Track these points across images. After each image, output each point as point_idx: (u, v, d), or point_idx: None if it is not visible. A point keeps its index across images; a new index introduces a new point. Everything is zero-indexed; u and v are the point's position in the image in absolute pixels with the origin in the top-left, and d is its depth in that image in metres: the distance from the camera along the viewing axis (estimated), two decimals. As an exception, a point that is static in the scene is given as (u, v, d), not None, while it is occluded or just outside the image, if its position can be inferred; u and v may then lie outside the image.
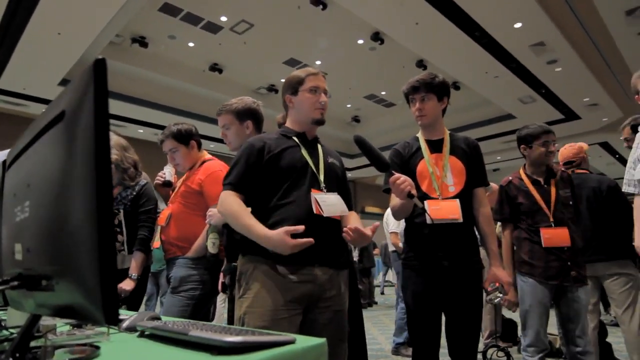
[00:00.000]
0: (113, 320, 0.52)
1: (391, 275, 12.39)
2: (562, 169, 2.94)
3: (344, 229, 1.47)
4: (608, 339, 3.40)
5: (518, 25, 6.82)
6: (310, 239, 1.33)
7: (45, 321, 0.85)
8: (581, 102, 9.86)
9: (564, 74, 8.38)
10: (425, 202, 1.74)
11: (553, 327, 2.53)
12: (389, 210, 4.25)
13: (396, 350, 4.07)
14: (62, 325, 0.92)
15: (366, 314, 6.66)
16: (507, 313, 4.21)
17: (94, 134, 0.52)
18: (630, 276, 2.68)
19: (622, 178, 2.77)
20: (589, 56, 7.88)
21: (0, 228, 0.80)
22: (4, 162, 0.86)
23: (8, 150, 0.93)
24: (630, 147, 2.62)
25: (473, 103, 10.35)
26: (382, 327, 5.63)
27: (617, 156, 14.23)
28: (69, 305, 0.57)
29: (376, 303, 8.73)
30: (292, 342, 0.74)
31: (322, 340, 0.78)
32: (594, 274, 2.73)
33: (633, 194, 2.15)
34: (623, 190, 2.08)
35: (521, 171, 2.45)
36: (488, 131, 11.52)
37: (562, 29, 6.94)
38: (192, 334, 0.73)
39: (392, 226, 4.20)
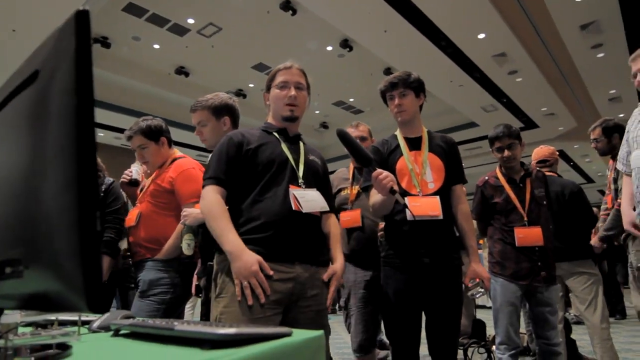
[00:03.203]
0: (97, 308, 0.45)
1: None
2: (537, 167, 3.05)
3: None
4: (571, 336, 3.52)
5: (482, 35, 7.06)
6: (265, 288, 1.32)
7: (4, 319, 0.75)
8: (539, 112, 10.32)
9: (523, 84, 8.75)
10: (406, 199, 1.72)
11: (521, 325, 2.59)
12: None
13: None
14: (23, 326, 0.82)
15: (336, 318, 6.61)
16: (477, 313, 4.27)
17: (76, 93, 0.45)
18: (591, 274, 2.80)
19: (580, 184, 2.92)
20: (546, 68, 8.26)
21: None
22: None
23: None
24: (597, 148, 2.74)
25: (438, 111, 10.61)
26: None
27: (571, 164, 14.96)
28: (42, 293, 0.50)
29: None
30: (288, 334, 0.69)
31: (320, 332, 0.73)
32: (557, 273, 2.82)
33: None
34: (617, 167, 2.18)
35: (497, 170, 2.49)
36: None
37: (522, 40, 7.25)
38: (178, 328, 0.66)
39: None
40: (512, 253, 2.31)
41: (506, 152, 2.34)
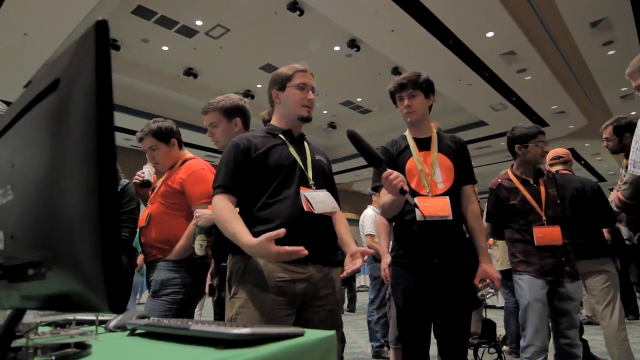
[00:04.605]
0: (118, 308, 0.47)
1: (363, 280, 12.41)
2: (549, 163, 3.04)
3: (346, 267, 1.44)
4: (583, 336, 3.49)
5: (490, 34, 7.01)
6: (298, 248, 1.25)
7: (25, 320, 0.78)
8: (549, 110, 10.21)
9: (533, 82, 8.67)
10: (415, 199, 1.72)
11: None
12: (364, 213, 4.24)
13: (377, 354, 4.05)
14: (43, 326, 0.84)
15: (345, 318, 6.62)
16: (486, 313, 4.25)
17: (96, 102, 0.47)
18: (610, 273, 2.76)
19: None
20: (556, 66, 8.18)
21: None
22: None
23: None
24: (608, 147, 2.71)
25: (446, 110, 10.56)
26: (362, 330, 5.60)
27: (582, 162, 14.80)
28: (64, 294, 0.51)
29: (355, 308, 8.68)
30: (301, 334, 0.70)
31: (332, 332, 0.74)
32: None
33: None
34: (629, 171, 2.10)
35: (509, 172, 2.47)
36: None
37: (531, 38, 7.19)
38: (194, 328, 0.68)
39: (368, 228, 4.11)
40: (535, 250, 2.27)
41: (546, 147, 2.38)
